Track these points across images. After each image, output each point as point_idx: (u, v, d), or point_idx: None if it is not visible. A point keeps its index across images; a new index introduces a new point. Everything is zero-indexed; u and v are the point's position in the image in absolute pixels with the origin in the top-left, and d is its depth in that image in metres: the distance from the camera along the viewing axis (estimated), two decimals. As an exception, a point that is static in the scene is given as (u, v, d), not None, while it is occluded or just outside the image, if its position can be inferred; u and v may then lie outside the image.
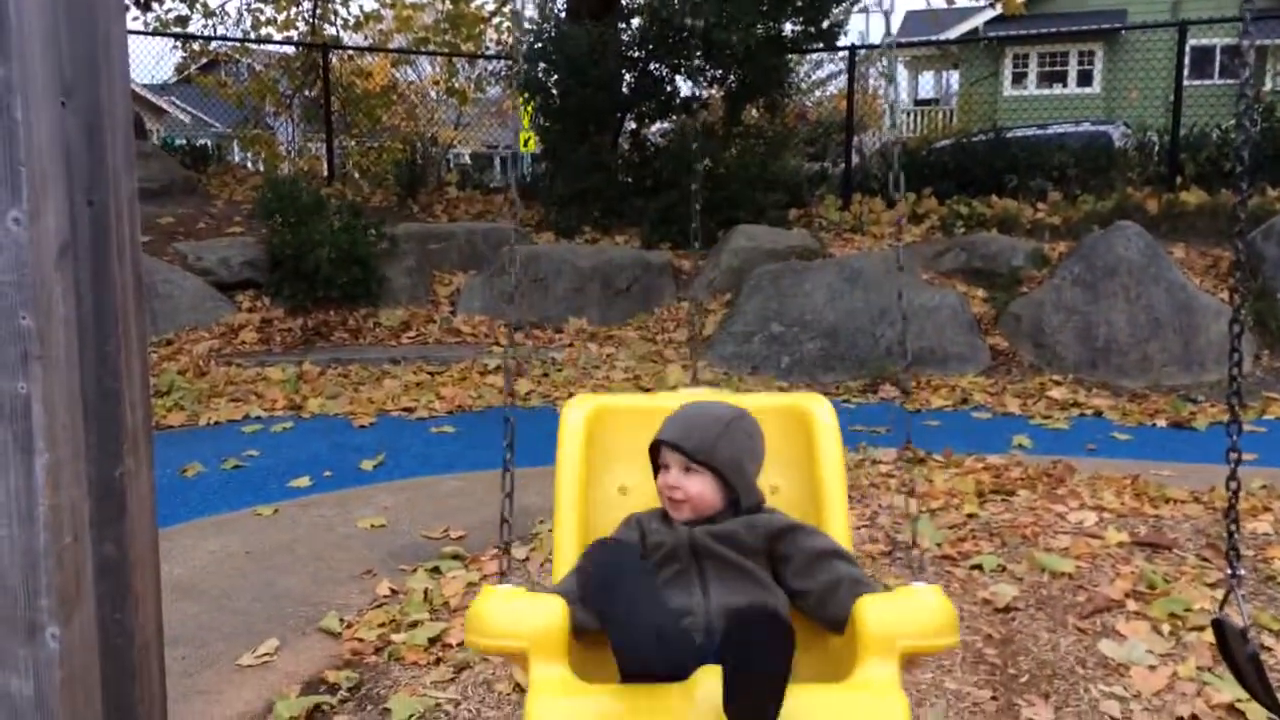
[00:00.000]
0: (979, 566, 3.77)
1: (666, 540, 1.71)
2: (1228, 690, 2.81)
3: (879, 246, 9.77)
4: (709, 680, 1.42)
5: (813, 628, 1.70)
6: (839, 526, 1.86)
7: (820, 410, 1.98)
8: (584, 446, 1.96)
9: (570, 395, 7.15)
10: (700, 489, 1.75)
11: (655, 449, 1.83)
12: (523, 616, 1.56)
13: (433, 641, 3.35)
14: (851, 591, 1.59)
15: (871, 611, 1.54)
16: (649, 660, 1.43)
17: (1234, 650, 2.16)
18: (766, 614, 1.43)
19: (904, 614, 1.54)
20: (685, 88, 11.44)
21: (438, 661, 3.24)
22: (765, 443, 1.87)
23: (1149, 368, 7.60)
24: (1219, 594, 3.34)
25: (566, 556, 1.84)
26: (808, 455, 1.91)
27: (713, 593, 1.62)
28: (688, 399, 1.95)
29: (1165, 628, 3.27)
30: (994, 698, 2.93)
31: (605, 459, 1.98)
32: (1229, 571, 2.16)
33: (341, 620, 3.56)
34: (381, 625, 3.50)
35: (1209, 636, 2.96)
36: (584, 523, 1.88)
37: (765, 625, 1.39)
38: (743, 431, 1.81)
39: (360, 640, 3.40)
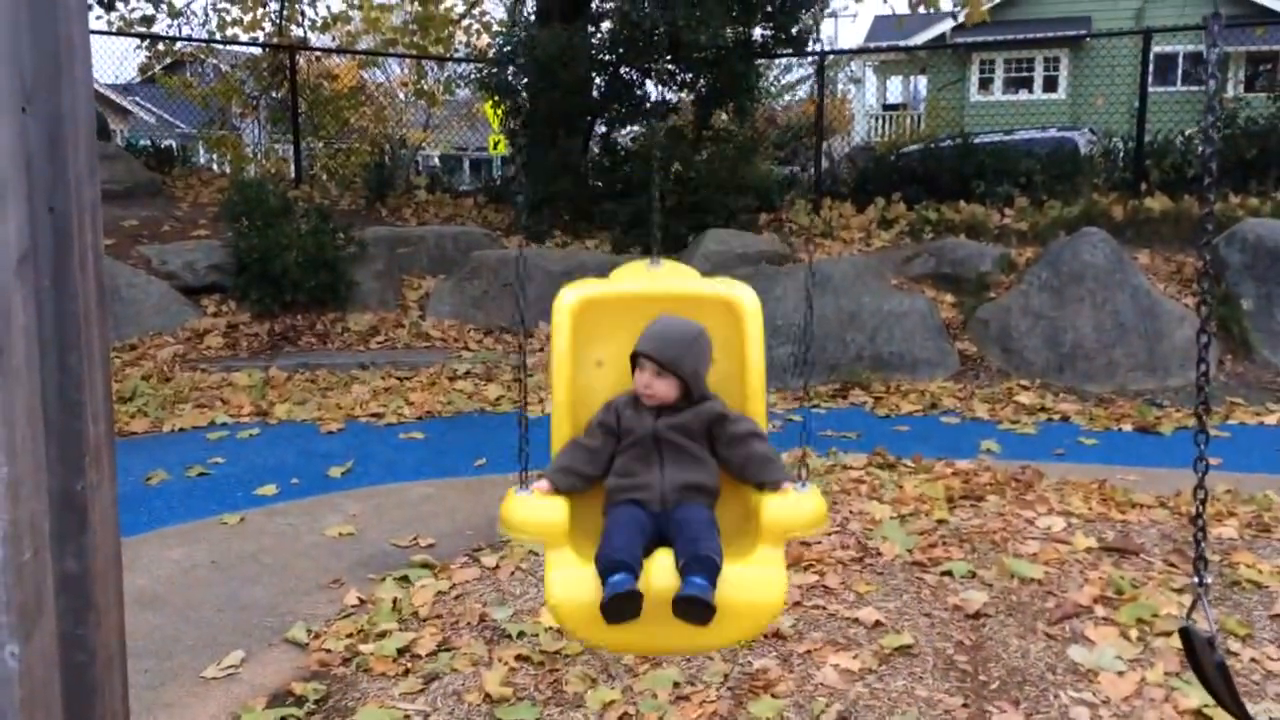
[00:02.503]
0: (949, 573, 3.79)
1: (636, 428, 2.29)
2: (1195, 696, 2.83)
3: (849, 251, 9.81)
4: (662, 557, 2.07)
5: (733, 491, 2.31)
6: (757, 401, 2.39)
7: (747, 299, 2.45)
8: (572, 327, 2.39)
9: (541, 400, 7.13)
10: (666, 389, 2.29)
11: (634, 356, 2.31)
12: (538, 516, 2.16)
13: (401, 652, 3.32)
14: (761, 467, 2.25)
15: (768, 509, 2.14)
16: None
17: (1201, 658, 2.17)
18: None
19: (792, 512, 2.15)
20: (655, 92, 11.46)
21: (406, 672, 3.21)
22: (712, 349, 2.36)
23: (1115, 373, 7.68)
24: (1186, 599, 3.37)
25: (562, 420, 2.37)
26: (738, 336, 2.40)
27: (667, 469, 2.25)
28: (656, 277, 2.48)
29: (1133, 633, 3.30)
30: (965, 705, 2.94)
31: (588, 337, 2.43)
32: (1196, 580, 2.17)
33: (309, 631, 3.52)
34: (349, 636, 3.47)
35: (1176, 642, 2.98)
36: (571, 390, 2.39)
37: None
38: (701, 346, 2.33)
39: (328, 651, 3.36)
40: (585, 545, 2.16)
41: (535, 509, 2.18)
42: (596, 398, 2.39)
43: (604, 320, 2.45)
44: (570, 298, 2.43)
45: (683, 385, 2.30)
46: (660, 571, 2.05)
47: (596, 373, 2.46)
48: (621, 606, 1.99)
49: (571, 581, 2.08)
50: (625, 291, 2.48)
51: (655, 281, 2.49)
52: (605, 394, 2.39)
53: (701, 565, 2.02)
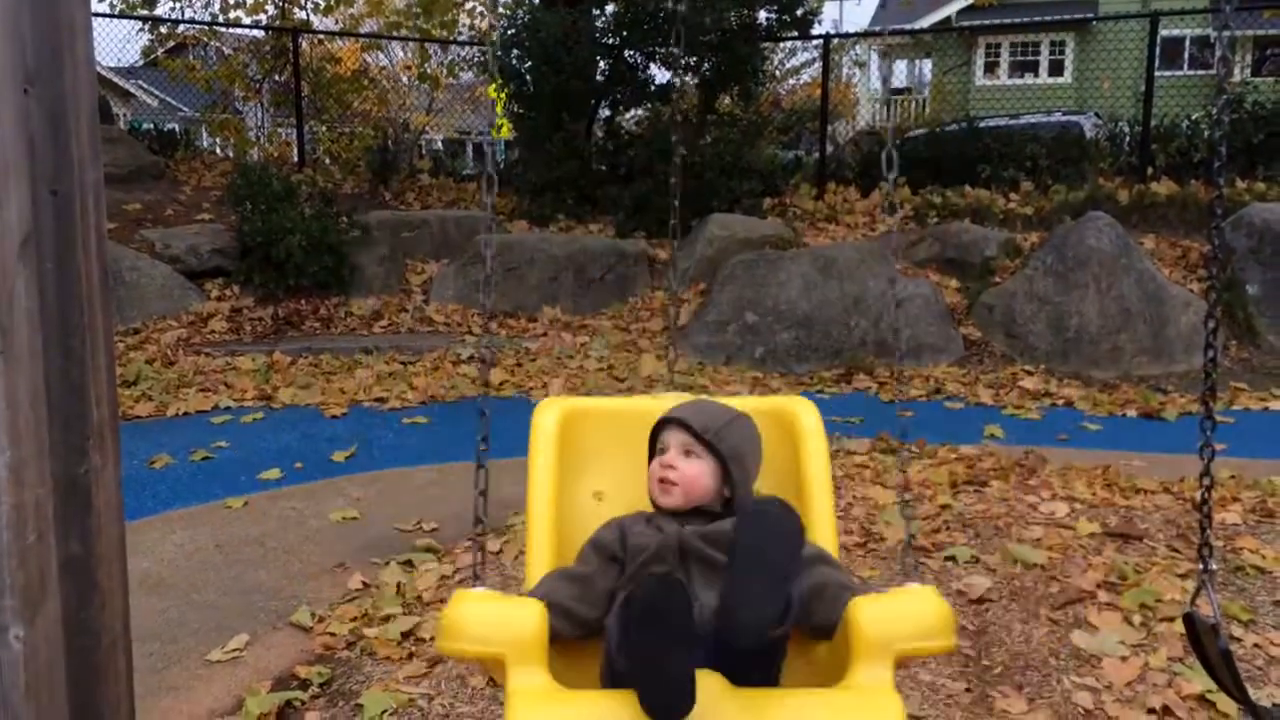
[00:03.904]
0: (953, 558, 3.78)
1: (651, 542, 1.62)
2: (1198, 681, 2.83)
3: (853, 236, 9.79)
4: (700, 683, 1.38)
5: (801, 637, 1.65)
6: (826, 533, 1.83)
7: (806, 414, 1.92)
8: (557, 450, 1.88)
9: (544, 385, 7.11)
10: (697, 473, 1.69)
11: (654, 434, 1.79)
12: (500, 621, 1.50)
13: (406, 636, 3.32)
14: (838, 597, 1.56)
15: (866, 613, 1.50)
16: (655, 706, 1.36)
17: (1205, 644, 2.17)
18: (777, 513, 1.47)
19: (899, 616, 1.51)
20: (660, 75, 11.42)
21: (411, 656, 3.21)
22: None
23: (1119, 358, 7.67)
24: (1189, 584, 3.37)
25: (540, 563, 1.76)
26: (793, 459, 1.86)
27: (700, 597, 1.51)
28: (669, 401, 1.91)
29: (1136, 618, 3.29)
30: (968, 689, 2.94)
31: (579, 463, 1.91)
32: (1201, 566, 2.17)
33: (313, 614, 3.52)
34: (353, 619, 3.47)
35: (1180, 627, 2.98)
36: (558, 530, 1.80)
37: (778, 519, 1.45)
38: (749, 427, 1.78)
39: (332, 635, 3.37)
40: (564, 666, 1.59)
41: (494, 610, 1.53)
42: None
43: (603, 440, 1.94)
44: (552, 413, 1.92)
45: (721, 475, 1.71)
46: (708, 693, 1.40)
47: (593, 507, 1.91)
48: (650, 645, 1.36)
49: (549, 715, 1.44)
50: (634, 407, 1.96)
51: (675, 397, 1.97)
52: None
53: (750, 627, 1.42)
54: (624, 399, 2.06)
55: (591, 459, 1.92)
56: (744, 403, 1.94)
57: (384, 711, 2.89)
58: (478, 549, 1.67)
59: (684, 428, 1.72)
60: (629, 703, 1.39)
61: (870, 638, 1.48)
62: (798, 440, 1.88)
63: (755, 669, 1.48)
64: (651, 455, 1.79)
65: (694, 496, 1.69)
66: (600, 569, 1.63)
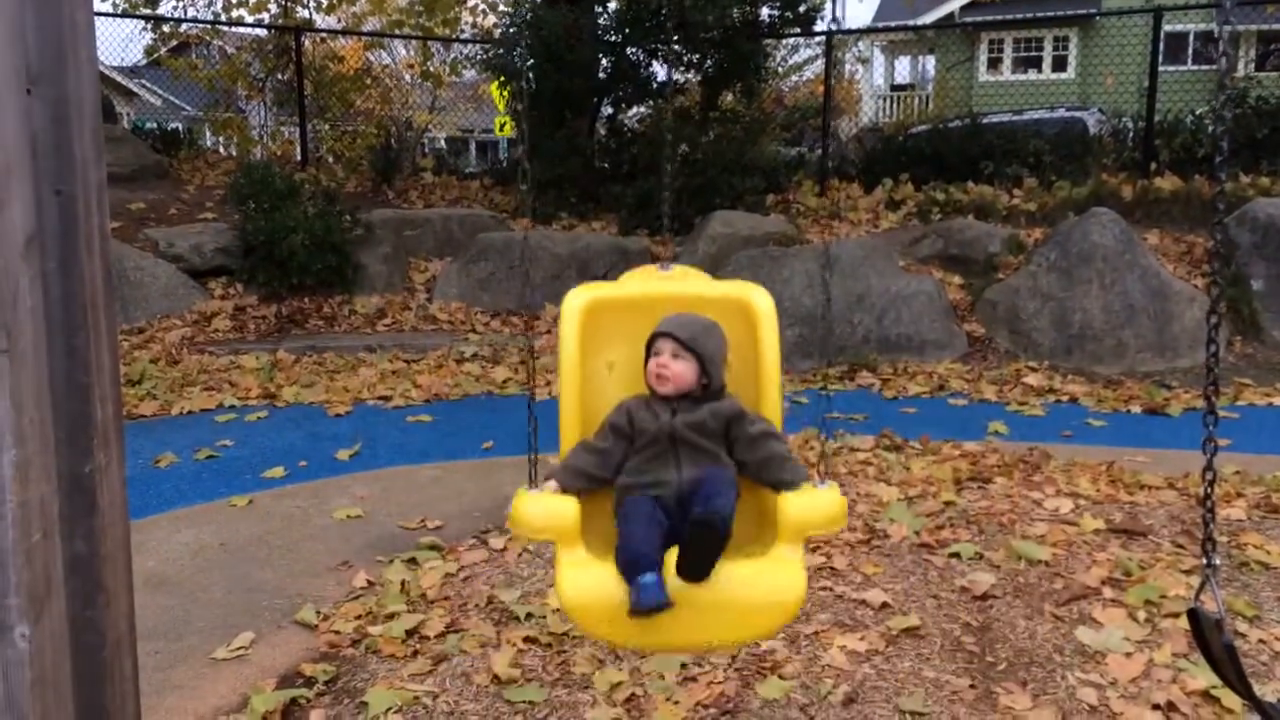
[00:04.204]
0: (956, 554, 3.78)
1: (651, 428, 2.23)
2: (1203, 677, 2.83)
3: (856, 233, 9.78)
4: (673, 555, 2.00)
5: (750, 494, 2.24)
6: (772, 402, 2.33)
7: (761, 300, 2.38)
8: (580, 330, 2.34)
9: (548, 383, 7.13)
10: (682, 369, 2.23)
11: (651, 342, 2.29)
12: (549, 516, 2.11)
13: (410, 633, 3.33)
14: (782, 465, 2.19)
15: (788, 507, 2.09)
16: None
17: (1209, 640, 2.17)
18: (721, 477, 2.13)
19: (811, 510, 2.10)
20: (662, 73, 11.41)
21: (415, 654, 3.22)
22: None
23: (1124, 354, 7.66)
24: (1194, 580, 3.37)
25: (570, 425, 2.30)
26: (751, 338, 2.35)
27: (685, 469, 2.19)
28: (665, 279, 2.46)
29: (1141, 615, 3.29)
30: (972, 685, 2.95)
31: (597, 340, 2.38)
32: (1204, 561, 2.16)
33: (317, 612, 3.53)
34: (358, 617, 3.48)
35: (1184, 623, 2.98)
36: (581, 395, 2.33)
37: (719, 480, 2.11)
38: (720, 335, 2.31)
39: (337, 633, 3.38)
40: (596, 543, 2.13)
41: (546, 507, 2.13)
42: (607, 401, 2.33)
43: (614, 323, 2.40)
44: (578, 300, 2.38)
45: (701, 370, 2.24)
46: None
47: (607, 376, 2.41)
48: (652, 611, 1.96)
49: (585, 581, 2.05)
50: (635, 294, 2.44)
51: (666, 284, 2.45)
52: (616, 397, 2.34)
53: (711, 521, 1.99)
54: (630, 287, 2.46)
55: (606, 337, 2.40)
56: (711, 286, 2.46)
57: (389, 709, 2.89)
58: (532, 462, 2.20)
59: (672, 338, 2.25)
60: None
61: (789, 525, 2.08)
62: (755, 322, 2.35)
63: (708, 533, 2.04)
64: (648, 356, 2.28)
65: (681, 386, 2.24)
66: (614, 445, 2.23)
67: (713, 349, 2.27)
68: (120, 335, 7.41)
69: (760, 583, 2.04)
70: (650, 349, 2.29)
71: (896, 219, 10.11)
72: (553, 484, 2.19)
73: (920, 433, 5.56)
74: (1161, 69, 10.97)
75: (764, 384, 2.34)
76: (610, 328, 2.40)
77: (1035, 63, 23.55)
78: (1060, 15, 20.36)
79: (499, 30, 11.92)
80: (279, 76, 14.66)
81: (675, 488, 2.16)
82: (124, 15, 13.86)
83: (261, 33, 15.15)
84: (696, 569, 1.99)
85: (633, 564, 2.00)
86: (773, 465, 2.20)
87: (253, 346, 7.96)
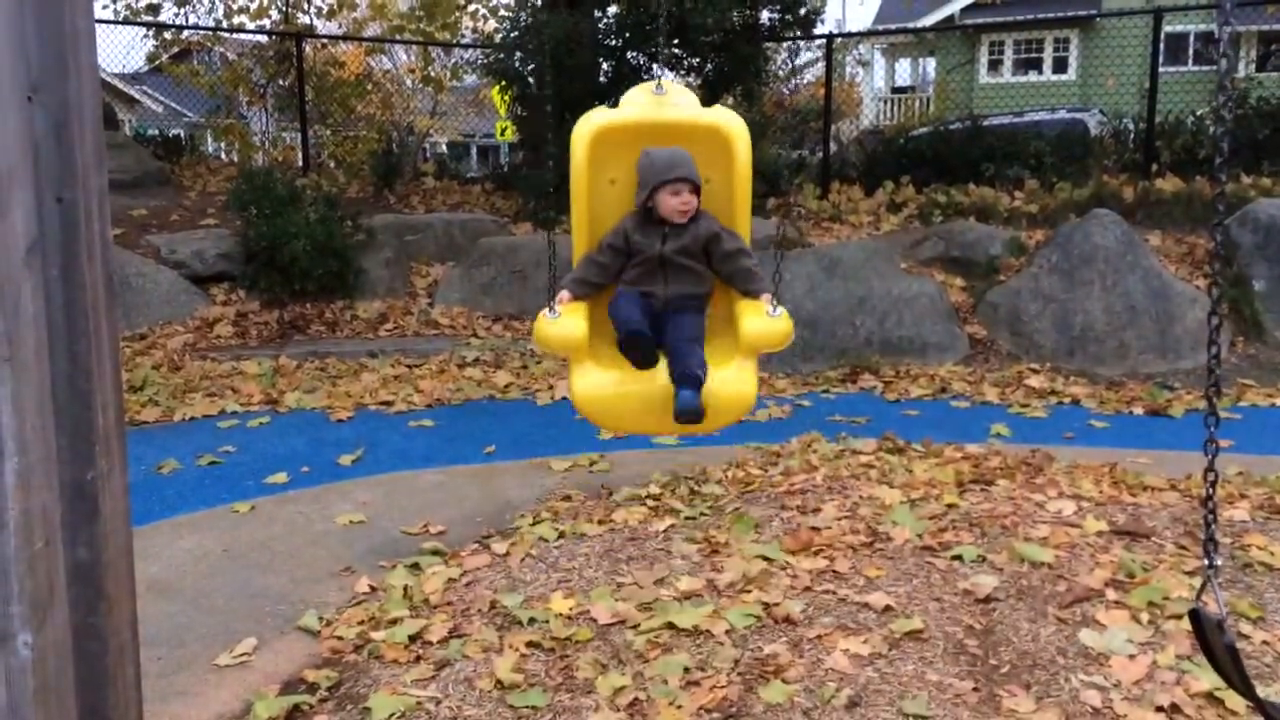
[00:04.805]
0: (959, 557, 3.78)
1: (646, 250, 2.82)
2: (1206, 679, 2.82)
3: (858, 235, 9.78)
4: (663, 364, 2.70)
5: (723, 294, 2.93)
6: (744, 218, 2.88)
7: (735, 123, 2.85)
8: (588, 151, 2.81)
9: (550, 387, 7.11)
10: (695, 204, 2.81)
11: (662, 181, 2.77)
12: (563, 332, 2.76)
13: (413, 639, 3.33)
14: (747, 278, 2.83)
15: (745, 328, 2.72)
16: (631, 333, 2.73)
17: (1211, 641, 2.16)
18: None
19: (762, 331, 2.72)
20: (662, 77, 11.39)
21: (418, 659, 3.22)
22: None
23: (1126, 355, 7.65)
24: (1197, 582, 3.36)
25: (581, 236, 2.90)
26: (727, 156, 2.83)
27: (671, 284, 2.82)
28: (662, 102, 2.87)
29: (1144, 616, 3.28)
30: (975, 689, 2.94)
31: (601, 160, 2.85)
32: (1206, 562, 2.16)
33: (320, 618, 3.53)
34: (361, 623, 3.48)
35: (1188, 625, 2.97)
36: (589, 206, 2.87)
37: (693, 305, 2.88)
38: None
39: (339, 639, 3.38)
40: (601, 357, 2.77)
41: (561, 327, 2.75)
42: (610, 210, 2.90)
43: (615, 145, 2.86)
44: (587, 126, 2.84)
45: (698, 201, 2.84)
46: (663, 373, 2.69)
47: (610, 189, 2.92)
48: (636, 343, 2.66)
49: (591, 380, 2.74)
50: (634, 120, 2.88)
51: (660, 109, 2.87)
52: (617, 207, 2.90)
53: (689, 381, 2.62)
54: (630, 114, 2.87)
55: (609, 157, 2.86)
56: (698, 113, 2.88)
57: (392, 715, 2.89)
58: (551, 294, 2.83)
59: (690, 182, 2.78)
60: (632, 371, 2.74)
61: (748, 342, 2.73)
62: (730, 144, 2.83)
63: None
64: (656, 190, 2.79)
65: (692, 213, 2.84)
66: (612, 260, 2.86)
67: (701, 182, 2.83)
68: (122, 342, 7.42)
69: (725, 387, 2.68)
70: (664, 185, 2.77)
71: (898, 221, 10.11)
72: (565, 293, 2.83)
73: (922, 435, 5.56)
74: (1162, 70, 10.97)
75: (738, 201, 2.88)
76: (613, 149, 2.86)
77: (1036, 64, 23.56)
78: (1061, 16, 20.35)
79: (499, 35, 11.91)
80: (280, 82, 14.66)
81: (663, 297, 2.82)
82: (125, 22, 13.88)
83: (263, 39, 15.16)
84: (692, 422, 2.63)
85: (629, 330, 2.68)
86: (740, 277, 2.84)
87: (255, 352, 7.97)
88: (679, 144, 2.84)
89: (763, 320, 2.72)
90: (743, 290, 2.81)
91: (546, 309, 2.79)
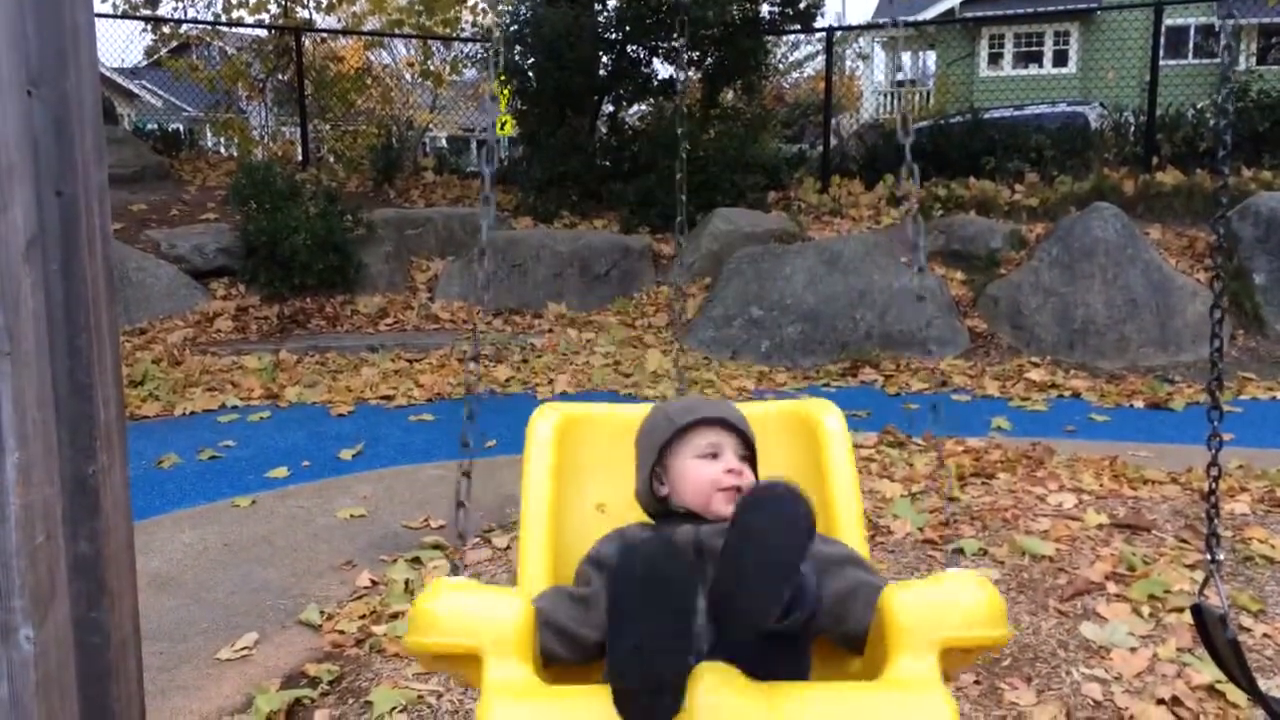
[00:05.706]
0: (960, 550, 3.78)
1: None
2: (1207, 672, 2.82)
3: (858, 229, 9.77)
4: (698, 681, 1.20)
5: (831, 650, 1.48)
6: (854, 538, 1.68)
7: (828, 417, 1.83)
8: (555, 460, 1.77)
9: (550, 382, 7.11)
10: (751, 478, 1.53)
11: (680, 434, 1.62)
12: (480, 610, 1.30)
13: (414, 632, 3.33)
14: (870, 600, 1.38)
15: (900, 600, 1.29)
16: (645, 665, 1.17)
17: (1213, 635, 2.17)
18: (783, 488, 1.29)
19: (939, 602, 1.29)
20: (662, 70, 11.40)
21: (420, 652, 3.22)
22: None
23: (1126, 348, 7.65)
24: (1198, 575, 3.37)
25: (533, 581, 1.61)
26: (814, 464, 1.75)
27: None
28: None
29: (1145, 610, 3.29)
30: (976, 681, 2.94)
31: (578, 474, 1.78)
32: (1208, 556, 2.16)
33: (321, 612, 3.53)
34: (362, 617, 3.48)
35: (1189, 618, 2.98)
36: (555, 545, 1.68)
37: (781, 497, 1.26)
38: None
39: (341, 632, 3.38)
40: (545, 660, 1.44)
41: (472, 600, 1.33)
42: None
43: (603, 449, 1.81)
44: (551, 418, 1.83)
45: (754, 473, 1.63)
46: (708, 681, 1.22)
47: (595, 520, 1.77)
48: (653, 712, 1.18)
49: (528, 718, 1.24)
50: (636, 414, 1.79)
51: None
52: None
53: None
54: (624, 406, 1.94)
55: (592, 469, 1.79)
56: (768, 406, 1.89)
57: (393, 708, 2.89)
58: (456, 534, 1.60)
59: (736, 433, 1.59)
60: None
61: (908, 625, 1.27)
62: (820, 444, 1.78)
63: (760, 667, 1.24)
64: (658, 458, 1.63)
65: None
66: (603, 588, 1.40)
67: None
68: (122, 336, 7.42)
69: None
70: (674, 447, 1.62)
71: (898, 215, 10.10)
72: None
73: (923, 429, 5.56)
74: (1162, 63, 10.95)
75: (839, 513, 1.71)
76: (597, 456, 1.82)
77: (1036, 58, 23.51)
78: (1061, 10, 20.34)
79: (499, 29, 11.92)
80: (279, 77, 14.67)
81: (706, 628, 1.33)
82: (124, 16, 13.87)
83: (262, 33, 15.15)
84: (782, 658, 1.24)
85: (645, 678, 1.17)
86: (860, 599, 1.42)
87: (255, 347, 7.97)
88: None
89: (942, 583, 1.35)
90: (864, 626, 1.40)
91: (448, 569, 1.60)
